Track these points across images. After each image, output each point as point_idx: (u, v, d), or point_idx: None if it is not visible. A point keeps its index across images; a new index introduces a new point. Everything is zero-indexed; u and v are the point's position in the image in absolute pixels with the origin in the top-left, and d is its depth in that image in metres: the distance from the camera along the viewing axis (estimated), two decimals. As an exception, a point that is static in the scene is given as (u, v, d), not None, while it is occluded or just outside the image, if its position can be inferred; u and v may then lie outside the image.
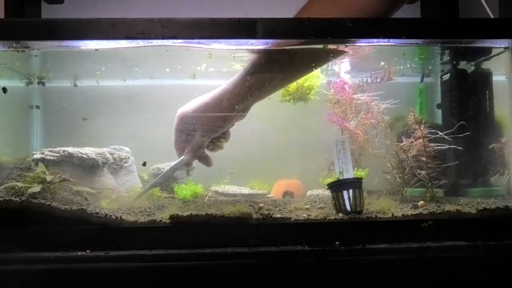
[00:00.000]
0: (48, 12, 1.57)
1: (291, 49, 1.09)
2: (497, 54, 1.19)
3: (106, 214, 1.02)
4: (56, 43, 1.04)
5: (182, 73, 1.34)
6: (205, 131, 1.18)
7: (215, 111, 1.15)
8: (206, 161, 1.22)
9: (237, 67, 1.18)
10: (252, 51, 1.11)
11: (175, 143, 1.21)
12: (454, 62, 1.28)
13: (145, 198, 1.21)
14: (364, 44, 1.11)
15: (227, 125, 1.18)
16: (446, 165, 1.20)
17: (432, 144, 1.19)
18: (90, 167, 1.22)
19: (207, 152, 1.22)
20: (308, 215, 1.06)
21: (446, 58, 1.29)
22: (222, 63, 1.22)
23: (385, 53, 1.24)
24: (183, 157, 1.21)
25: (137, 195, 1.23)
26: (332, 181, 1.10)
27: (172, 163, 1.26)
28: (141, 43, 1.01)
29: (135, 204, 1.13)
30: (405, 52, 1.24)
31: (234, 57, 1.16)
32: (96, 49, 1.06)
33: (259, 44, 1.06)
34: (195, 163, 1.33)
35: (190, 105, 1.18)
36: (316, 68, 1.24)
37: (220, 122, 1.17)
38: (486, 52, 1.22)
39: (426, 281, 0.96)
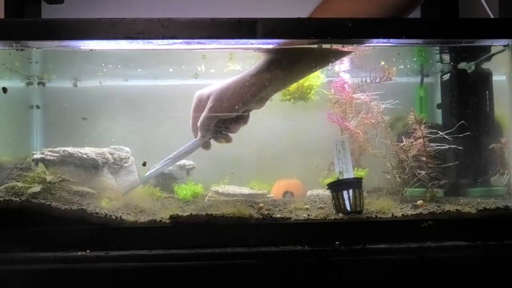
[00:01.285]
0: (48, 12, 1.57)
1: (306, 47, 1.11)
2: (497, 53, 1.18)
3: (106, 214, 1.02)
4: (56, 43, 1.04)
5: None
6: (216, 110, 1.18)
7: (232, 95, 1.16)
8: (224, 138, 1.22)
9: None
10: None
11: (192, 126, 1.22)
12: (453, 64, 1.28)
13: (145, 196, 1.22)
14: (364, 45, 1.11)
15: (241, 109, 1.18)
16: (446, 165, 1.20)
17: (432, 144, 1.19)
18: (90, 167, 1.22)
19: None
20: (308, 215, 1.06)
21: (446, 58, 1.29)
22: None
23: (385, 53, 1.24)
24: (197, 138, 1.21)
25: (147, 175, 1.25)
26: (332, 181, 1.10)
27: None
28: (141, 43, 1.01)
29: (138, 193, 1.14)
30: (404, 52, 1.24)
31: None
32: (90, 49, 1.06)
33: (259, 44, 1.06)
34: (195, 162, 1.34)
35: (208, 88, 1.20)
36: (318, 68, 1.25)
37: (234, 105, 1.16)
38: (485, 51, 1.22)
39: (426, 281, 0.96)
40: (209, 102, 1.17)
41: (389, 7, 1.12)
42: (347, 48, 1.13)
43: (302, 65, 1.18)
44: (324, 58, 1.18)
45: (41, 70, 1.36)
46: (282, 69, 1.14)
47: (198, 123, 1.19)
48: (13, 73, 1.30)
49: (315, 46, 1.09)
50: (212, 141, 1.23)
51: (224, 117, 1.19)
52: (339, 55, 1.18)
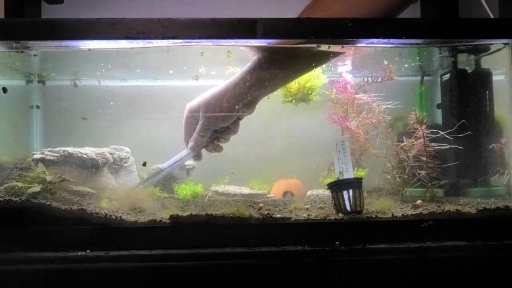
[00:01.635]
0: (48, 12, 1.57)
1: (295, 48, 1.10)
2: (496, 51, 1.19)
3: (106, 214, 1.02)
4: (56, 43, 1.04)
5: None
6: (210, 120, 1.19)
7: (222, 103, 1.17)
8: (215, 148, 1.24)
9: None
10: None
11: (185, 137, 1.23)
12: (454, 59, 1.28)
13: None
14: (363, 45, 1.11)
15: (231, 117, 1.19)
16: (446, 165, 1.20)
17: (432, 144, 1.19)
18: (90, 167, 1.22)
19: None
20: (308, 215, 1.06)
21: (446, 57, 1.29)
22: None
23: (386, 53, 1.24)
24: (188, 148, 1.23)
25: (139, 184, 1.26)
26: (332, 181, 1.10)
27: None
28: (141, 43, 1.01)
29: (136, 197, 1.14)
30: (403, 51, 1.24)
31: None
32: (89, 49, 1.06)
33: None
34: (195, 162, 1.34)
35: (198, 98, 1.21)
36: (316, 67, 1.25)
37: (225, 112, 1.18)
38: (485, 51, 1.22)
39: (426, 281, 0.96)
40: (201, 116, 1.18)
41: (380, 8, 1.12)
42: (334, 48, 1.14)
43: (293, 66, 1.18)
44: (316, 59, 1.18)
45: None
46: (270, 72, 1.15)
47: (194, 135, 1.21)
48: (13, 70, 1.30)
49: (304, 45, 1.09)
50: (202, 151, 1.25)
51: (218, 127, 1.21)
52: (328, 56, 1.18)
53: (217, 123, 1.20)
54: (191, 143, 1.23)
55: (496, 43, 1.14)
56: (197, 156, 1.25)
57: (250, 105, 1.19)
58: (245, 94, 1.15)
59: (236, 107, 1.17)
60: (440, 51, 1.26)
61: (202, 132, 1.20)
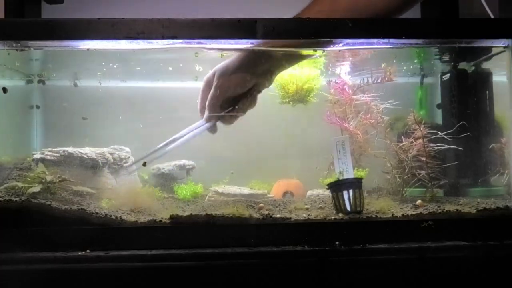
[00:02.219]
0: (48, 12, 1.57)
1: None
2: (497, 54, 1.18)
3: (106, 214, 1.02)
4: (56, 43, 1.04)
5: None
6: (223, 84, 1.15)
7: (238, 68, 1.14)
8: (230, 119, 1.20)
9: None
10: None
11: (200, 108, 1.20)
12: (453, 63, 1.28)
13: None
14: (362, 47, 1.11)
15: (246, 83, 1.15)
16: (446, 165, 1.20)
17: (432, 144, 1.19)
18: (90, 167, 1.22)
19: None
20: (308, 215, 1.06)
21: (446, 58, 1.29)
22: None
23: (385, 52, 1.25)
24: (203, 118, 1.19)
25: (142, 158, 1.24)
26: (332, 181, 1.10)
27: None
28: (141, 43, 1.01)
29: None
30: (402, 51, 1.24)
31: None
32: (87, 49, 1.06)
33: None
34: (195, 162, 1.34)
35: (214, 68, 1.17)
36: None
37: (242, 79, 1.14)
38: (486, 52, 1.22)
39: (426, 281, 0.96)
40: (215, 80, 1.15)
41: (379, 8, 1.12)
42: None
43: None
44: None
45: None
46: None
47: (206, 102, 1.17)
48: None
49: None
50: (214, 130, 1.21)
51: (232, 94, 1.16)
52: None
53: (231, 88, 1.15)
54: (206, 113, 1.18)
55: (496, 46, 1.14)
56: (213, 128, 1.20)
57: (268, 75, 1.16)
58: (262, 61, 1.12)
59: (252, 73, 1.13)
60: (441, 58, 1.27)
61: (215, 99, 1.15)
